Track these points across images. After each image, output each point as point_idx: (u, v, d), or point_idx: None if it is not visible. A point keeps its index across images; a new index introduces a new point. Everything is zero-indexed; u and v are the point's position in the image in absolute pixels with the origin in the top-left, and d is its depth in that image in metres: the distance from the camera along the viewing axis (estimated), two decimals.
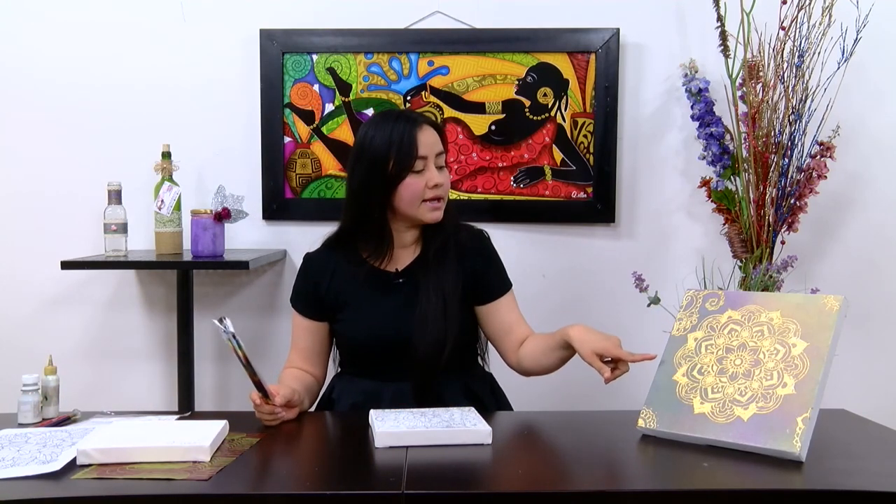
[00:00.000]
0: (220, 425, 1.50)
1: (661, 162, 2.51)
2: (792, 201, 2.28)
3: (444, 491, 1.29)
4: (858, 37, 2.23)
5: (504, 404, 1.93)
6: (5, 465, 1.36)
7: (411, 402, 1.74)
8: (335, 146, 2.49)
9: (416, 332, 1.76)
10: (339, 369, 1.93)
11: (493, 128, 2.48)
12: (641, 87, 2.49)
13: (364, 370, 1.84)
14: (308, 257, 1.92)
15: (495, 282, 1.88)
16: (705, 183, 2.37)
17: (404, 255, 1.87)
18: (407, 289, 1.82)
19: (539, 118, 2.47)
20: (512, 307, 1.88)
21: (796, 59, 2.22)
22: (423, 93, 2.47)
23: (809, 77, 2.24)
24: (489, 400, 1.86)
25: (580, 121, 2.47)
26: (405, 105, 2.46)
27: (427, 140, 1.77)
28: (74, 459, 1.38)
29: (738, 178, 2.31)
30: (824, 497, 1.28)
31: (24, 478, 1.32)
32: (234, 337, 1.56)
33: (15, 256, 2.54)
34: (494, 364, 1.98)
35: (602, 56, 2.43)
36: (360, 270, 1.83)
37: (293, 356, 1.89)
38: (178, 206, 2.36)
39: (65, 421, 1.67)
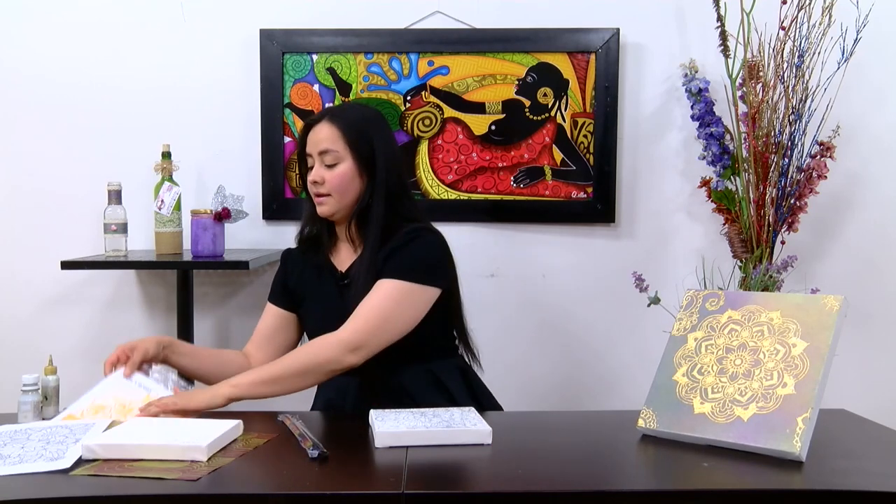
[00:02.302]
0: (228, 425, 1.50)
1: (661, 162, 2.51)
2: (792, 201, 2.28)
3: (444, 491, 1.29)
4: (858, 37, 2.23)
5: (479, 391, 1.90)
6: (12, 462, 1.37)
7: (377, 394, 1.76)
8: None
9: None
10: None
11: (493, 128, 2.48)
12: (641, 87, 2.49)
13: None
14: (285, 251, 2.01)
15: (387, 266, 1.78)
16: (705, 183, 2.37)
17: (348, 254, 1.90)
18: (348, 288, 1.84)
19: (539, 118, 2.47)
20: (373, 295, 1.73)
21: (796, 59, 2.22)
22: (423, 93, 2.47)
23: (809, 77, 2.24)
24: (457, 386, 1.84)
25: (580, 121, 2.47)
26: (405, 105, 2.46)
27: (313, 138, 1.84)
28: (82, 456, 1.40)
29: (738, 178, 2.31)
30: (824, 497, 1.28)
31: (32, 474, 1.33)
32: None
33: (15, 256, 2.54)
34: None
35: (602, 56, 2.43)
36: (321, 267, 1.90)
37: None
38: (178, 206, 2.36)
39: None
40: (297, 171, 1.95)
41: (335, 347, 1.70)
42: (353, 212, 1.85)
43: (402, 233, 1.82)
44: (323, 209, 1.84)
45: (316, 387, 1.92)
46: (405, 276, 1.76)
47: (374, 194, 1.83)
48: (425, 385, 1.80)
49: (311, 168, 1.85)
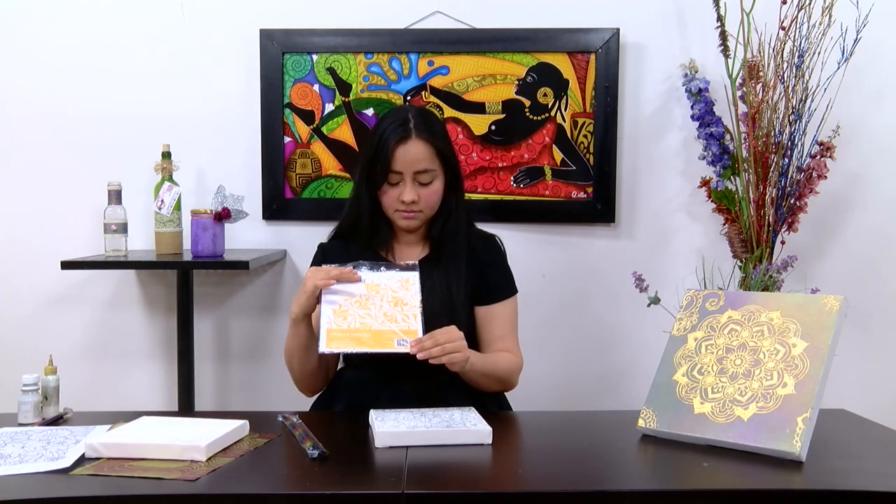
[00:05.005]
0: (232, 425, 1.50)
1: (661, 162, 2.50)
2: (792, 201, 2.29)
3: (444, 491, 1.29)
4: (858, 37, 2.23)
5: (506, 409, 1.93)
6: (13, 462, 1.37)
7: (412, 399, 1.73)
8: (335, 146, 2.49)
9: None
10: (344, 363, 1.93)
11: (493, 128, 2.48)
12: (641, 87, 2.49)
13: (367, 364, 1.84)
14: (323, 245, 1.95)
15: (495, 286, 1.89)
16: (705, 183, 2.37)
17: (413, 252, 1.89)
18: None
19: (539, 118, 2.47)
20: (505, 319, 1.88)
21: (796, 59, 2.23)
22: (423, 93, 2.47)
23: (809, 77, 2.24)
24: (491, 402, 1.86)
25: (580, 121, 2.47)
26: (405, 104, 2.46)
27: (406, 157, 1.79)
28: (82, 456, 1.40)
29: (738, 178, 2.31)
30: (824, 497, 1.28)
31: (32, 474, 1.33)
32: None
33: (15, 256, 2.54)
34: None
35: (602, 56, 2.43)
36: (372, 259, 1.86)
37: None
38: (178, 206, 2.36)
39: (57, 420, 1.68)
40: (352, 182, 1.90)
41: (519, 373, 1.86)
42: (436, 220, 1.88)
43: (479, 240, 1.92)
44: (411, 223, 1.84)
45: (329, 384, 1.90)
46: (513, 290, 1.92)
47: (458, 205, 1.89)
48: (463, 397, 1.77)
49: (396, 184, 1.81)
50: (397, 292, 1.67)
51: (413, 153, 1.79)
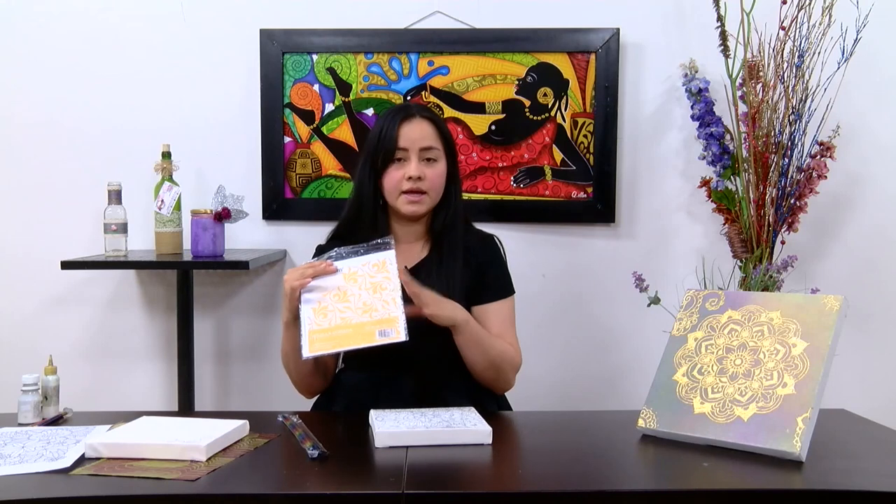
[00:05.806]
0: (232, 425, 1.50)
1: (661, 162, 2.51)
2: (792, 201, 2.29)
3: (444, 491, 1.29)
4: (858, 37, 2.23)
5: (506, 409, 1.93)
6: (13, 462, 1.37)
7: (411, 400, 1.73)
8: (335, 146, 2.49)
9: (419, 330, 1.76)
10: (343, 364, 1.93)
11: (493, 128, 2.48)
12: (641, 87, 2.49)
13: (366, 365, 1.84)
14: (321, 247, 1.95)
15: (492, 285, 1.89)
16: (705, 183, 2.37)
17: (413, 253, 1.88)
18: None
19: (539, 118, 2.47)
20: (501, 318, 1.87)
21: (796, 59, 2.23)
22: (423, 93, 2.47)
23: (809, 77, 2.24)
24: (491, 402, 1.86)
25: (580, 121, 2.47)
26: None
27: (411, 134, 1.82)
28: (82, 456, 1.40)
29: (738, 178, 2.32)
30: (824, 497, 1.28)
31: (32, 474, 1.33)
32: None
33: (15, 256, 2.54)
34: None
35: (602, 56, 2.43)
36: None
37: None
38: (178, 206, 2.36)
39: (57, 419, 1.68)
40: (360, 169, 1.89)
41: (516, 370, 1.85)
42: (437, 213, 1.88)
43: (478, 240, 1.93)
44: (418, 208, 1.84)
45: (329, 385, 1.90)
46: (510, 290, 1.91)
47: (457, 197, 1.90)
48: (463, 398, 1.77)
49: (401, 161, 1.82)
50: (374, 277, 1.65)
51: (418, 130, 1.83)
